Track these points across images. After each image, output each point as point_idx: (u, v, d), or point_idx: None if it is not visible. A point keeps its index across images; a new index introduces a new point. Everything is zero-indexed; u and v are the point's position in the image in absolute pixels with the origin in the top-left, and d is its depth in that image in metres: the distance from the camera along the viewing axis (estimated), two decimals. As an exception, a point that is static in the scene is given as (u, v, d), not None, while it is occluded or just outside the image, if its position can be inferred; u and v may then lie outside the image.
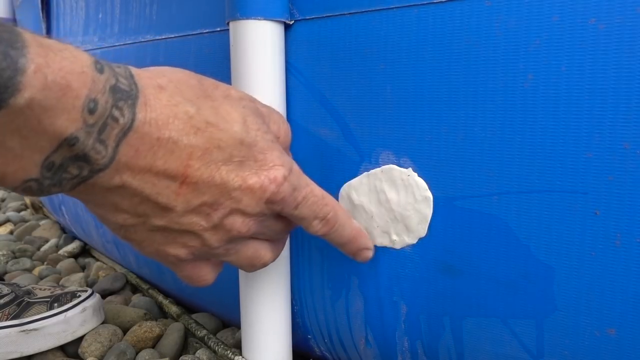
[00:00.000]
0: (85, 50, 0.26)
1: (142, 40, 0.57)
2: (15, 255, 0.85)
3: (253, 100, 0.34)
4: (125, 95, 0.26)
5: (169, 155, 0.28)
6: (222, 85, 0.32)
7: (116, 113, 0.25)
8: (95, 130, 0.25)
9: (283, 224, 0.35)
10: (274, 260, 0.37)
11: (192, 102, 0.29)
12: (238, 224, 0.32)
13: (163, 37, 0.54)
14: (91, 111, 0.24)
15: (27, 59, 0.22)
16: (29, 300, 0.54)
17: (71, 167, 0.26)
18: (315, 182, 0.43)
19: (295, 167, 0.33)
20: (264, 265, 0.36)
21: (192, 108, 0.28)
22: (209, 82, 0.31)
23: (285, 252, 0.44)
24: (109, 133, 0.25)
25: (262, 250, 0.35)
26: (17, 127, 0.23)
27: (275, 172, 0.31)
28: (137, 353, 0.53)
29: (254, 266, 0.36)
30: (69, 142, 0.24)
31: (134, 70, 0.28)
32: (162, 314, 0.63)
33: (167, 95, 0.28)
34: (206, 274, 0.35)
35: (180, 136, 0.28)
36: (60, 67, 0.23)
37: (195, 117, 0.28)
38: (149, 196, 0.28)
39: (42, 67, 0.22)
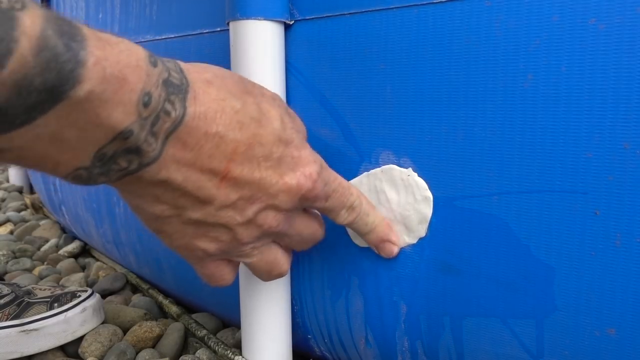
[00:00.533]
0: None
1: (142, 40, 0.57)
2: (15, 255, 0.85)
3: (282, 100, 0.35)
4: (177, 89, 0.26)
5: (214, 149, 0.28)
6: (257, 84, 0.33)
7: (168, 107, 0.26)
8: (148, 123, 0.25)
9: (308, 220, 0.37)
10: (286, 272, 0.38)
11: (237, 97, 0.29)
12: (270, 218, 0.32)
13: (163, 37, 0.54)
14: (145, 104, 0.25)
15: (87, 52, 0.22)
16: (29, 300, 0.54)
17: (121, 160, 0.26)
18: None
19: (324, 162, 0.34)
20: (280, 275, 0.37)
21: (237, 103, 0.29)
22: (246, 79, 0.32)
23: (285, 252, 0.44)
24: (160, 126, 0.26)
25: (282, 258, 0.37)
26: (75, 120, 0.23)
27: (310, 168, 0.32)
28: (137, 353, 0.53)
29: (271, 273, 0.37)
30: (123, 135, 0.25)
31: (183, 64, 0.28)
32: (162, 314, 0.63)
33: (215, 90, 0.28)
34: (226, 274, 0.36)
35: (227, 131, 0.28)
36: (118, 60, 0.23)
37: (240, 112, 0.29)
38: (191, 190, 0.29)
39: (100, 59, 0.23)
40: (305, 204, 0.34)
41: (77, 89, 0.22)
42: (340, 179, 0.36)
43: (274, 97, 0.33)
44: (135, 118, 0.25)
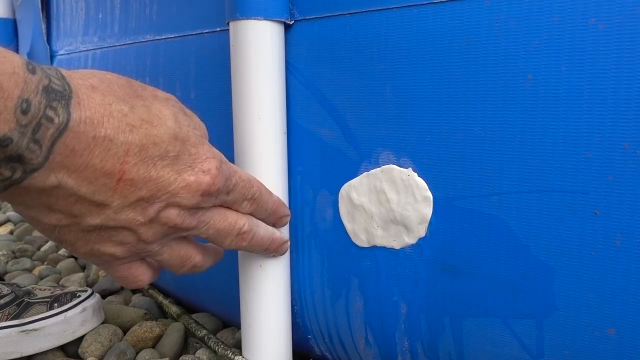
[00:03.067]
0: (18, 57, 0.26)
1: (142, 40, 0.57)
2: (15, 255, 0.85)
3: (177, 101, 0.34)
4: (59, 96, 0.26)
5: (105, 152, 0.28)
6: (149, 87, 0.33)
7: (50, 113, 0.25)
8: (29, 131, 0.25)
9: (224, 213, 0.36)
10: (203, 265, 0.38)
11: (125, 100, 0.29)
12: (173, 216, 0.32)
13: (163, 37, 0.54)
14: (24, 112, 0.24)
15: None
16: (29, 300, 0.54)
17: (3, 169, 0.25)
18: (315, 182, 0.43)
19: (223, 157, 0.35)
20: (194, 267, 0.37)
21: (125, 106, 0.29)
22: (137, 83, 0.32)
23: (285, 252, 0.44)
24: (43, 133, 0.25)
25: (192, 251, 0.37)
26: None
27: (209, 164, 0.32)
28: (137, 353, 0.53)
29: (184, 267, 0.37)
30: (2, 143, 0.24)
31: (64, 71, 0.28)
32: (162, 314, 0.63)
33: (100, 95, 0.28)
34: (141, 274, 0.36)
35: (116, 134, 0.28)
36: None
37: (129, 115, 0.29)
38: (85, 195, 0.29)
39: None
40: (209, 199, 0.33)
41: None
42: (240, 172, 0.36)
43: (168, 97, 0.33)
44: (14, 126, 0.24)
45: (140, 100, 0.31)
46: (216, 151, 0.34)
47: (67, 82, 0.27)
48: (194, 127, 0.33)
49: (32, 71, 0.25)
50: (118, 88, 0.30)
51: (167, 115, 0.31)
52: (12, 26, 0.90)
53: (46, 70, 0.26)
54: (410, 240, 0.38)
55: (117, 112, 0.28)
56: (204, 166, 0.32)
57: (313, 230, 0.44)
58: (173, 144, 0.31)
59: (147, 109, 0.30)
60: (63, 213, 0.29)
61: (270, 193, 0.40)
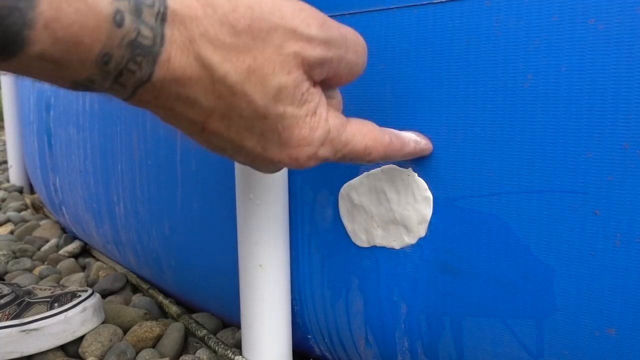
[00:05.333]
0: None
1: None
2: (15, 255, 0.85)
3: (319, 43, 0.28)
4: (146, 51, 0.25)
5: (187, 107, 0.27)
6: (284, 25, 0.27)
7: (133, 67, 0.25)
8: (111, 76, 0.25)
9: None
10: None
11: (225, 60, 0.26)
12: (257, 165, 0.32)
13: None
14: (106, 63, 0.24)
15: (35, 13, 0.21)
16: (29, 300, 0.54)
17: (100, 89, 0.26)
18: (315, 182, 0.43)
19: (334, 131, 0.31)
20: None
21: (220, 70, 0.26)
22: (265, 23, 0.27)
23: (285, 252, 0.44)
24: (126, 79, 0.25)
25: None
26: (35, 65, 0.23)
27: (299, 152, 0.30)
28: (137, 353, 0.53)
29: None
30: (87, 81, 0.25)
31: (172, 13, 0.25)
32: (162, 313, 0.63)
33: (195, 53, 0.26)
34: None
35: (199, 98, 0.27)
36: (72, 21, 0.22)
37: (219, 82, 0.27)
38: (174, 123, 0.29)
39: (50, 22, 0.22)
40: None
41: (26, 50, 0.22)
42: (355, 142, 0.32)
43: (299, 50, 0.28)
44: (96, 71, 0.24)
45: (249, 56, 0.27)
46: (319, 134, 0.30)
47: (161, 33, 0.25)
48: (300, 102, 0.29)
49: (119, 24, 0.24)
50: (225, 37, 0.26)
51: (266, 88, 0.27)
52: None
53: (142, 16, 0.24)
54: (410, 240, 0.38)
55: (207, 78, 0.26)
56: (293, 153, 0.30)
57: (313, 230, 0.44)
58: (261, 122, 0.28)
59: (245, 75, 0.27)
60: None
61: (401, 143, 0.34)
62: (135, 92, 0.26)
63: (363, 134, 0.32)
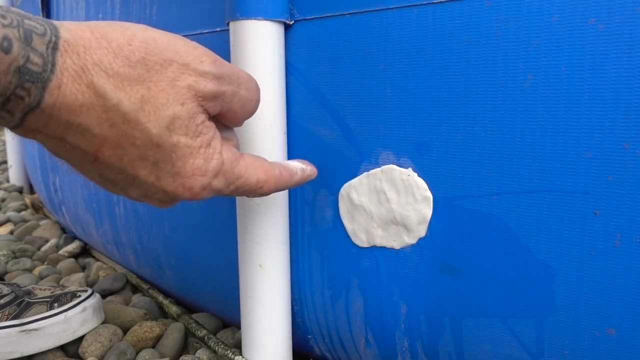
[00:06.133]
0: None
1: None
2: (15, 255, 0.85)
3: (212, 78, 0.29)
4: (35, 77, 0.25)
5: (79, 135, 0.27)
6: (178, 60, 0.28)
7: (21, 92, 0.25)
8: None
9: None
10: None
11: (118, 88, 0.27)
12: (148, 198, 0.32)
13: (163, 37, 0.53)
14: None
15: None
16: (29, 300, 0.54)
17: None
18: (315, 182, 0.42)
19: (228, 164, 0.31)
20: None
21: (112, 98, 0.26)
22: (159, 56, 0.28)
23: (285, 252, 0.44)
24: (14, 106, 0.25)
25: None
26: None
27: (193, 182, 0.30)
28: (137, 353, 0.53)
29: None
30: None
31: (64, 43, 0.26)
32: (162, 314, 0.63)
33: (87, 81, 0.26)
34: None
35: (92, 125, 0.27)
36: None
37: (112, 110, 0.27)
38: (64, 156, 0.29)
39: None
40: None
41: None
42: (247, 176, 0.33)
43: (190, 86, 0.29)
44: None
45: (142, 88, 0.27)
46: (213, 164, 0.30)
47: (52, 60, 0.25)
48: (195, 134, 0.29)
49: (6, 50, 0.24)
50: (123, 67, 0.27)
51: (159, 118, 0.28)
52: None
53: (32, 43, 0.25)
54: (410, 240, 0.38)
55: (100, 106, 0.26)
56: (187, 183, 0.30)
57: (313, 230, 0.44)
58: (154, 150, 0.28)
59: (139, 105, 0.27)
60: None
61: (291, 175, 0.36)
62: (23, 119, 0.26)
63: (255, 168, 0.33)
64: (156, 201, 0.32)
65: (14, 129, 0.27)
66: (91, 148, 0.28)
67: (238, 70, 0.32)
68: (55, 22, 0.26)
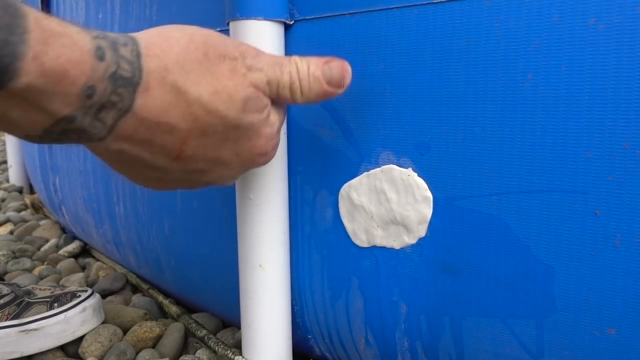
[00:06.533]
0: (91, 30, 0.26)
1: (142, 40, 0.56)
2: (15, 255, 0.85)
3: (259, 69, 0.33)
4: (126, 82, 0.27)
5: (167, 135, 0.29)
6: (229, 55, 0.32)
7: (115, 98, 0.27)
8: (92, 111, 0.26)
9: None
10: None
11: (196, 83, 0.29)
12: (224, 176, 0.35)
13: (163, 37, 0.53)
14: (89, 96, 0.26)
15: (25, 47, 0.23)
16: (29, 300, 0.54)
17: (71, 135, 0.27)
18: (315, 182, 0.43)
19: (283, 118, 0.37)
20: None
21: (194, 93, 0.29)
22: (216, 51, 0.31)
23: (285, 252, 0.44)
24: (106, 113, 0.27)
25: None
26: (17, 103, 0.24)
27: (267, 147, 0.35)
28: (137, 353, 0.53)
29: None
30: (67, 120, 0.26)
31: (144, 49, 0.28)
32: (162, 314, 0.63)
33: (171, 80, 0.28)
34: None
35: (179, 122, 0.29)
36: (58, 54, 0.24)
37: (195, 104, 0.29)
38: (147, 160, 0.31)
39: (39, 55, 0.23)
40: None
41: (15, 81, 0.23)
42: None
43: (248, 70, 0.32)
44: (78, 107, 0.26)
45: (214, 80, 0.30)
46: (272, 130, 0.35)
47: (139, 65, 0.27)
48: (261, 108, 0.33)
49: (101, 57, 0.26)
50: (192, 65, 0.29)
51: (235, 103, 0.31)
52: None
53: (120, 51, 0.27)
54: (410, 240, 0.38)
55: (183, 102, 0.29)
56: (262, 149, 0.35)
57: (313, 230, 0.44)
58: (234, 131, 0.32)
59: (215, 97, 0.30)
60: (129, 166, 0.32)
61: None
62: (114, 126, 0.28)
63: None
64: (229, 179, 0.36)
65: (102, 139, 0.28)
66: (177, 144, 0.30)
67: (281, 60, 0.35)
68: (129, 34, 0.29)
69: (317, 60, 0.34)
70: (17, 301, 0.54)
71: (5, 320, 0.52)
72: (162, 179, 0.33)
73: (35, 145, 0.95)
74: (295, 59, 0.34)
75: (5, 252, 0.84)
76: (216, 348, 0.50)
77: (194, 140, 0.31)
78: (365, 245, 0.40)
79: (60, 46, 0.24)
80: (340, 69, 0.35)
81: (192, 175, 0.33)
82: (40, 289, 0.58)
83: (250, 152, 0.34)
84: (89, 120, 0.26)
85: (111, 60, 0.26)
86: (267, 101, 0.34)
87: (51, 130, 0.26)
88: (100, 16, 0.65)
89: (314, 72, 0.34)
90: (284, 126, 0.42)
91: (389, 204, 0.38)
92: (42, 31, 0.23)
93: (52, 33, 0.24)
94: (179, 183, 0.34)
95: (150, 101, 0.28)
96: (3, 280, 0.76)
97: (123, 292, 0.70)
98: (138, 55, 0.27)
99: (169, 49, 0.29)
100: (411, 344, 0.40)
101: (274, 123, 0.35)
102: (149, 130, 0.29)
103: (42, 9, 0.80)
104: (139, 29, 0.53)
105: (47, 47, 0.23)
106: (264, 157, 0.36)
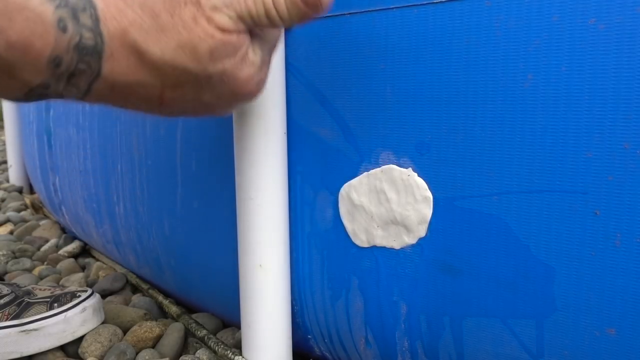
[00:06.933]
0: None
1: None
2: (15, 255, 0.85)
3: (225, 6, 0.31)
4: (91, 51, 0.27)
5: (142, 89, 0.30)
6: (189, 6, 0.30)
7: (82, 66, 0.28)
8: (64, 78, 0.28)
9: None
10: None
11: (156, 42, 0.29)
12: (217, 112, 0.36)
13: (163, 37, 0.53)
14: (57, 66, 0.27)
15: None
16: (29, 300, 0.54)
17: (52, 96, 0.29)
18: (315, 182, 0.43)
19: (266, 56, 0.35)
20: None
21: (156, 52, 0.29)
22: (175, 1, 0.30)
23: (285, 252, 0.44)
24: (78, 79, 0.28)
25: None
26: None
27: (249, 87, 0.34)
28: (137, 353, 0.53)
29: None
30: (42, 86, 0.27)
31: (101, 11, 0.28)
32: (162, 314, 0.63)
33: (131, 42, 0.28)
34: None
35: (148, 80, 0.30)
36: (22, 28, 0.25)
37: (158, 63, 0.29)
38: (133, 107, 0.32)
39: (4, 29, 0.24)
40: None
41: None
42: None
43: (213, 14, 0.30)
44: (49, 75, 0.27)
45: (174, 32, 0.29)
46: (250, 70, 0.33)
47: (99, 32, 0.27)
48: (228, 55, 0.31)
49: (64, 29, 0.26)
50: (151, 20, 0.29)
51: (201, 53, 0.30)
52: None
53: (80, 20, 0.27)
54: (410, 240, 0.38)
55: (148, 61, 0.29)
56: (244, 90, 0.33)
57: (313, 230, 0.44)
58: (207, 80, 0.31)
59: (179, 49, 0.30)
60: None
61: None
62: (90, 88, 0.29)
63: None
64: (222, 113, 0.36)
65: (82, 98, 0.30)
66: (155, 94, 0.31)
67: None
68: None
69: None
70: (17, 301, 0.54)
71: (5, 320, 0.52)
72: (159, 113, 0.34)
73: (35, 145, 0.95)
74: None
75: (5, 252, 0.84)
76: (216, 348, 0.50)
77: (169, 91, 0.31)
78: (365, 245, 0.40)
79: (24, 19, 0.25)
80: None
81: (183, 113, 0.34)
82: (40, 289, 0.58)
83: (231, 94, 0.33)
84: (62, 85, 0.28)
85: (73, 31, 0.27)
86: (241, 41, 0.32)
87: (30, 94, 0.28)
88: None
89: None
90: (283, 125, 0.42)
91: (389, 204, 0.38)
92: (5, 4, 0.24)
93: (16, 6, 0.25)
94: (176, 115, 0.35)
95: (116, 66, 0.28)
96: (3, 280, 0.76)
97: (123, 292, 0.70)
98: (97, 19, 0.28)
99: (126, 8, 0.28)
100: (411, 344, 0.40)
101: (253, 62, 0.33)
102: (123, 88, 0.30)
103: None
104: None
105: (11, 22, 0.24)
106: (249, 96, 0.35)
